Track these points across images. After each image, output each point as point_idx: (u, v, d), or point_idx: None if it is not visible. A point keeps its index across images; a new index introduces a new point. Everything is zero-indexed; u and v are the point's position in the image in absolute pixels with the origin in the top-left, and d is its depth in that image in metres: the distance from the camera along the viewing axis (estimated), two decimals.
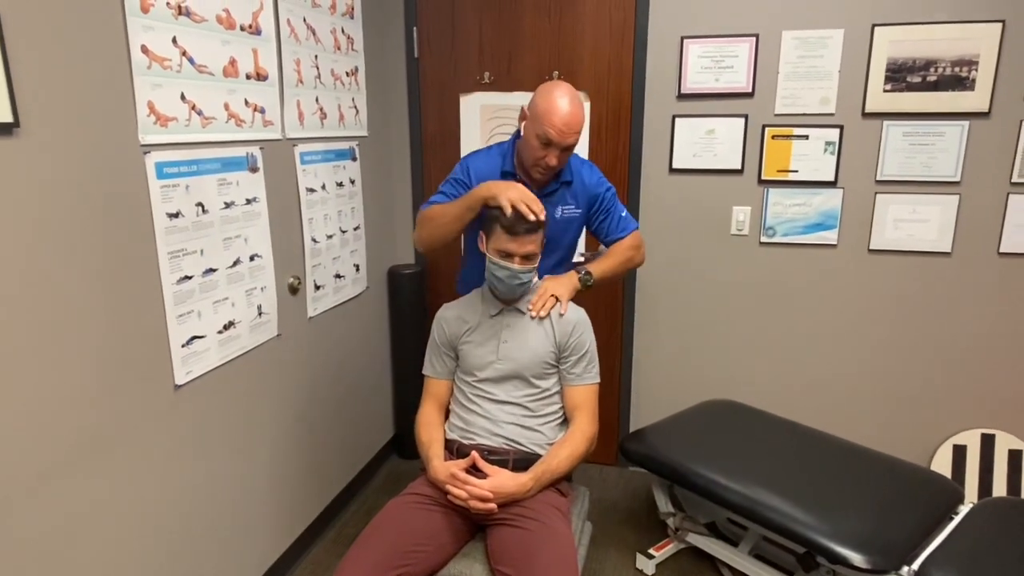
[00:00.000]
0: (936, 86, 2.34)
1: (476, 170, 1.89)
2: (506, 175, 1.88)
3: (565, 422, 1.80)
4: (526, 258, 1.67)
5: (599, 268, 1.91)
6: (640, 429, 2.31)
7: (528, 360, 1.73)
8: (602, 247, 2.05)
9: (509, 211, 1.63)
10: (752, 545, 2.15)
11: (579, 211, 1.94)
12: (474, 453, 1.64)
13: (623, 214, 1.99)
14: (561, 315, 1.77)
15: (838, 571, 1.79)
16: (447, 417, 1.85)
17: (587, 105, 2.65)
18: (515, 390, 1.75)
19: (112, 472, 1.52)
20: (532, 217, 1.63)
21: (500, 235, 1.66)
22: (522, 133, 1.82)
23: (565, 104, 1.71)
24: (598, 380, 1.80)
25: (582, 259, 2.72)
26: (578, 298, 1.87)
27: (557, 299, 1.79)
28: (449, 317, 1.83)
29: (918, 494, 1.91)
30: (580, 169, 1.95)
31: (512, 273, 1.68)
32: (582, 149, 2.67)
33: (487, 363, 1.75)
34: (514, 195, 1.64)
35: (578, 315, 1.80)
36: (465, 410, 1.78)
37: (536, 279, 1.84)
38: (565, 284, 1.83)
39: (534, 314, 1.76)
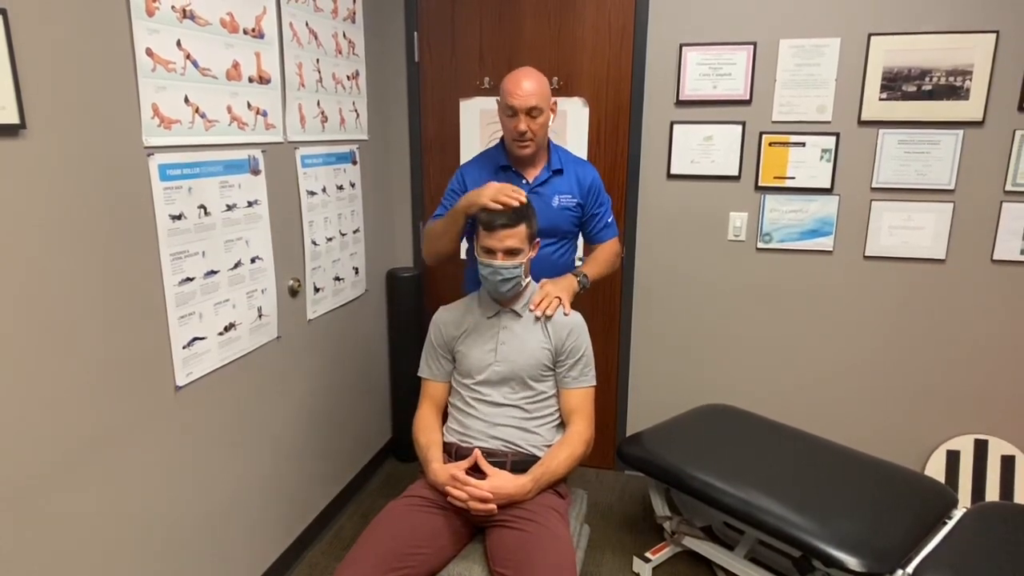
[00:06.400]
0: (931, 95, 2.36)
1: (471, 177, 2.00)
2: (501, 169, 1.99)
3: (562, 423, 1.81)
4: (508, 253, 1.69)
5: (592, 272, 2.02)
6: (637, 433, 2.33)
7: (526, 362, 1.74)
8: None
9: (493, 207, 1.67)
10: (748, 549, 2.16)
11: (575, 200, 2.02)
12: (476, 451, 1.65)
13: (609, 220, 2.10)
14: (566, 315, 1.80)
15: (833, 575, 1.80)
16: (445, 420, 1.86)
17: (586, 111, 2.67)
18: (512, 392, 1.76)
19: (112, 473, 1.52)
20: (515, 203, 1.67)
21: (481, 233, 1.71)
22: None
23: (519, 75, 1.86)
24: (594, 383, 1.82)
25: (580, 263, 2.74)
26: (575, 300, 1.89)
27: (560, 301, 1.82)
28: (446, 319, 1.85)
29: (912, 499, 1.92)
30: (571, 161, 2.06)
31: (494, 269, 1.69)
32: (579, 153, 2.68)
33: (486, 365, 1.76)
34: (490, 193, 1.70)
35: (575, 319, 1.82)
36: (462, 414, 1.79)
37: (533, 283, 1.87)
38: (565, 287, 1.88)
39: (538, 313, 1.78)
